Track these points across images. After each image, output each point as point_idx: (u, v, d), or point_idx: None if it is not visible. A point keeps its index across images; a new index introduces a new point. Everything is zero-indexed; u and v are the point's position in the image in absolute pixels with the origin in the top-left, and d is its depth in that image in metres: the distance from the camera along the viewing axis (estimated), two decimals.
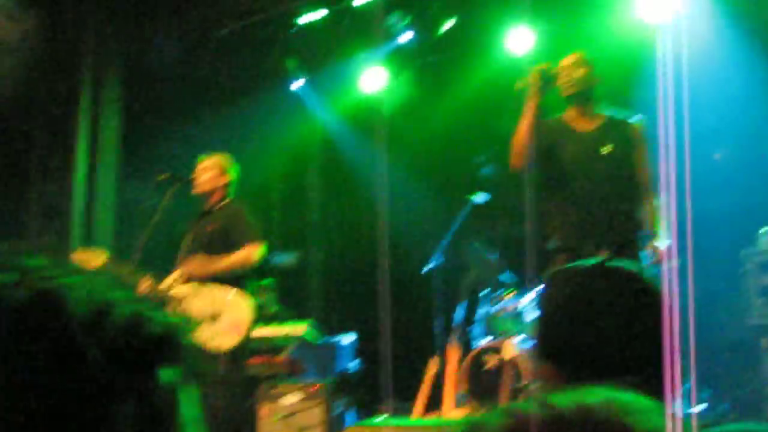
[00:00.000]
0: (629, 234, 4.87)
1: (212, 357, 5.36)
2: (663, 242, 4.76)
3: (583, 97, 5.02)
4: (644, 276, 1.59)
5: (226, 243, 5.58)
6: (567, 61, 5.00)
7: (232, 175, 5.87)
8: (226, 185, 5.82)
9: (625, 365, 1.49)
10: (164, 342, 0.94)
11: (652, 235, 4.83)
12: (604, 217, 4.85)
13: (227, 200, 5.80)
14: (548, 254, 5.00)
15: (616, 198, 4.88)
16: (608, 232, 4.82)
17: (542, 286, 1.73)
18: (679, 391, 1.48)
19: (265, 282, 8.45)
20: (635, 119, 5.05)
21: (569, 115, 5.09)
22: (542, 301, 1.69)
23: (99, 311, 0.91)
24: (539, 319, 1.68)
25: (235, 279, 5.58)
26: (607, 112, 5.10)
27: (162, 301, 5.55)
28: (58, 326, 0.89)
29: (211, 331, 5.38)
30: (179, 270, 5.62)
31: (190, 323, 1.00)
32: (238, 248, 5.55)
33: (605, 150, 4.92)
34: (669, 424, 1.18)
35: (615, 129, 5.01)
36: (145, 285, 5.46)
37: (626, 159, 4.95)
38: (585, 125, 5.04)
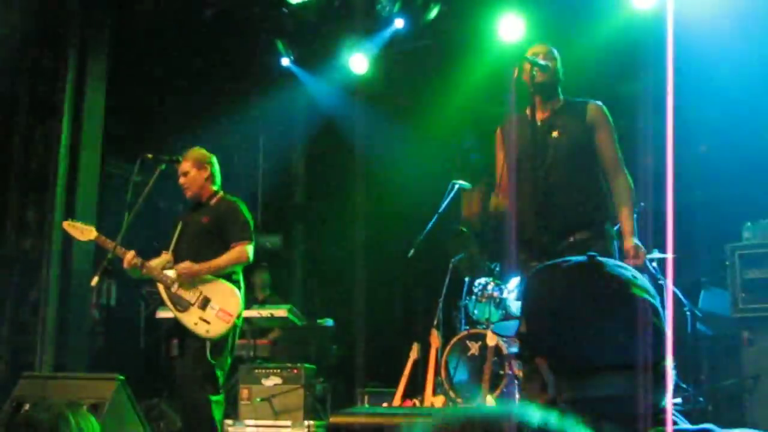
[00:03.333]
0: (584, 221, 4.71)
1: (200, 341, 5.41)
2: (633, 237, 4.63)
3: (549, 88, 4.86)
4: (630, 274, 1.58)
5: (219, 237, 5.63)
6: (534, 50, 4.89)
7: (213, 166, 5.84)
8: (209, 177, 5.79)
9: (608, 361, 1.49)
10: None
11: (624, 226, 4.68)
12: (555, 204, 4.68)
13: (220, 194, 5.81)
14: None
15: (568, 184, 4.72)
16: (561, 220, 4.67)
17: (525, 279, 1.74)
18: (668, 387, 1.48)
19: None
20: (593, 102, 4.88)
21: (532, 106, 4.88)
22: (525, 296, 1.70)
23: None
24: (522, 313, 1.68)
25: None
26: (564, 99, 4.94)
27: (153, 279, 5.57)
28: None
29: (199, 316, 5.44)
30: (168, 254, 5.63)
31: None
32: (230, 244, 5.59)
33: (554, 135, 4.79)
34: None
35: (568, 113, 4.86)
36: (130, 258, 5.42)
37: (580, 143, 4.78)
38: (542, 114, 4.87)
